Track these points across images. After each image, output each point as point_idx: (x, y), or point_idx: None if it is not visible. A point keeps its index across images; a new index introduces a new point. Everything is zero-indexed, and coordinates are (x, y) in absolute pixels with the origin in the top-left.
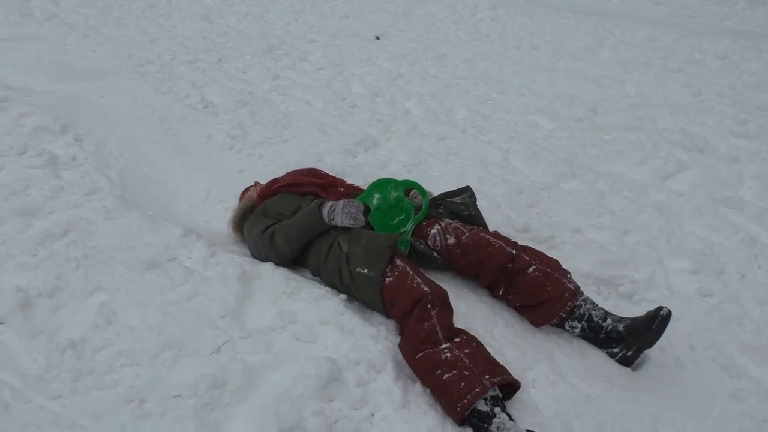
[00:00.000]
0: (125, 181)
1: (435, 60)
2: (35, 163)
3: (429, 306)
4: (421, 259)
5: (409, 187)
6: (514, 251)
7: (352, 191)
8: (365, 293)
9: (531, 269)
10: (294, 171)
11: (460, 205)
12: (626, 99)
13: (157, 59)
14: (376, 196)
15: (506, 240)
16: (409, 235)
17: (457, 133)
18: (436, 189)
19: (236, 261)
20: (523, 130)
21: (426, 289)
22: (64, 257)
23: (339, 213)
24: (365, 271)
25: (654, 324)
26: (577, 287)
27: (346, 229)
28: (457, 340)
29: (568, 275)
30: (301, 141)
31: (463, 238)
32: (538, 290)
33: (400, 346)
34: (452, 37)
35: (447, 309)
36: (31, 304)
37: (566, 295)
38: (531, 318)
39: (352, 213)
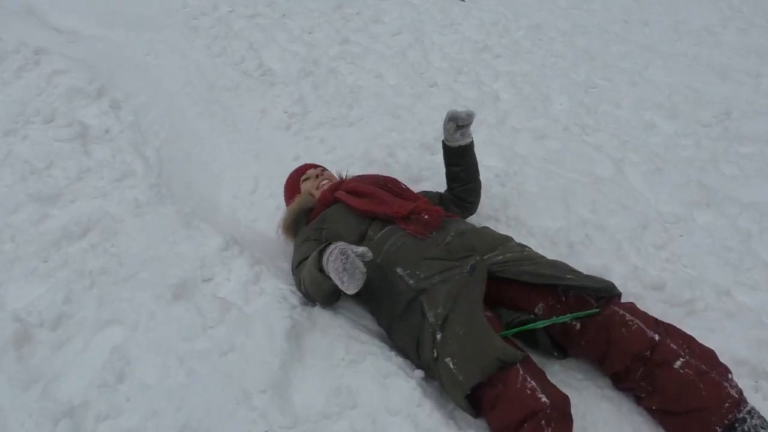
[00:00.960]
0: (163, 163)
1: (528, 30)
2: (63, 134)
3: (544, 422)
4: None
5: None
6: (657, 336)
7: (437, 220)
8: (449, 389)
9: (679, 363)
10: (368, 177)
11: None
12: (765, 99)
13: (213, 11)
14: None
15: (645, 318)
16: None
17: (556, 130)
18: (533, 211)
19: (284, 295)
20: (638, 132)
21: (545, 400)
22: (78, 269)
23: (330, 267)
24: (455, 369)
25: None
26: (741, 393)
27: (444, 283)
28: None
29: (730, 376)
30: (369, 126)
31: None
32: (688, 394)
33: None
34: (548, 2)
35: (566, 422)
36: (29, 337)
37: (727, 404)
38: (674, 429)
39: (339, 271)
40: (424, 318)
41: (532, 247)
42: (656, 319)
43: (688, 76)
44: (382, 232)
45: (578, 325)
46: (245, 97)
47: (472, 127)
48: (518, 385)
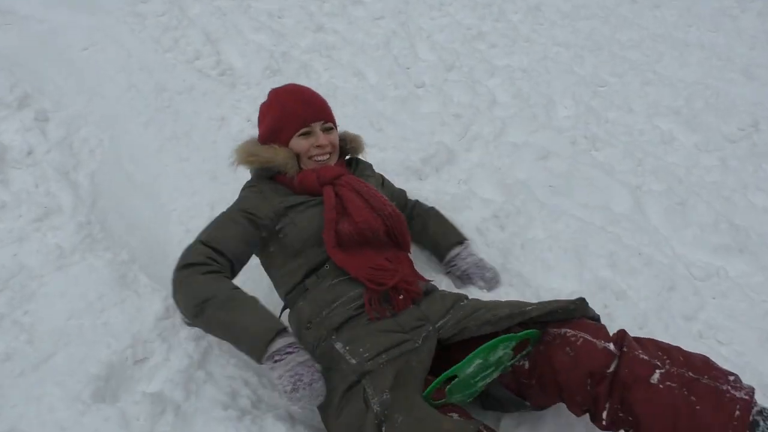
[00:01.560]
0: (98, 192)
1: (526, 13)
2: None
3: None
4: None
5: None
6: (612, 346)
7: (408, 302)
8: None
9: (657, 376)
10: (373, 194)
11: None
12: None
13: None
14: (477, 362)
15: (597, 330)
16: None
17: (562, 144)
18: (539, 266)
19: (235, 389)
20: (654, 146)
21: None
22: None
23: (280, 372)
24: None
25: None
26: (751, 393)
27: (393, 363)
28: None
29: (731, 378)
30: None
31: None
32: (678, 413)
33: None
34: None
35: None
36: None
37: (737, 413)
38: None
39: (292, 393)
40: (366, 407)
41: None
42: (623, 332)
43: (707, 72)
44: (340, 280)
45: (526, 364)
46: (200, 102)
47: (464, 141)
48: None
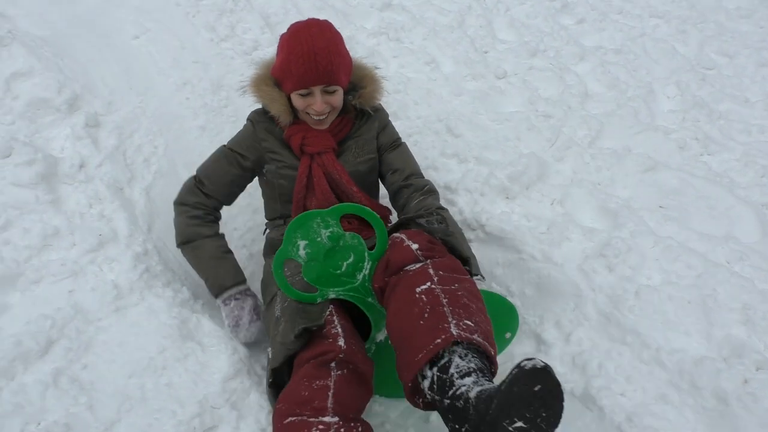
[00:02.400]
0: (155, 210)
1: None
2: (24, 176)
3: (333, 365)
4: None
5: (345, 213)
6: (420, 255)
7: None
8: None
9: (422, 288)
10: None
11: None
12: None
13: None
14: (301, 243)
15: (425, 242)
16: (369, 279)
17: (670, 150)
18: (657, 321)
19: None
20: None
21: (342, 345)
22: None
23: (225, 318)
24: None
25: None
26: (465, 339)
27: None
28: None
29: (468, 321)
30: (420, 146)
31: None
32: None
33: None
34: None
35: (359, 384)
36: None
37: (438, 340)
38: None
39: (233, 329)
40: (273, 313)
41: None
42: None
43: None
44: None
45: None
46: None
47: (554, 148)
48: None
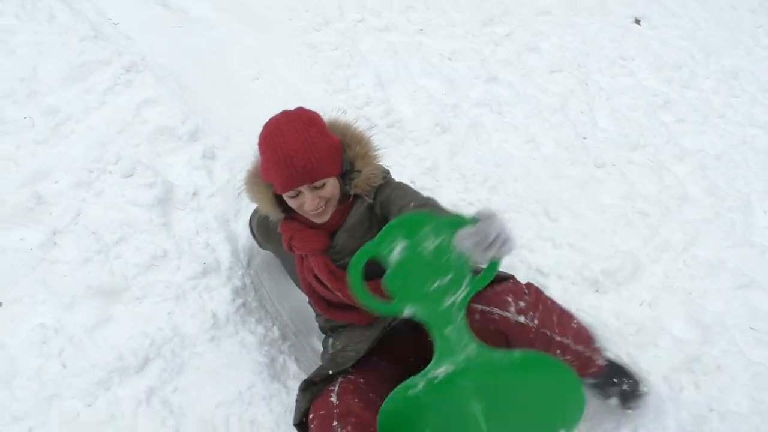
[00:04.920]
0: (254, 245)
1: (719, 79)
2: (142, 197)
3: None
4: None
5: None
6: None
7: None
8: None
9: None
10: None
11: None
12: None
13: (339, 18)
14: (400, 244)
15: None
16: (462, 310)
17: (765, 271)
18: None
19: None
20: None
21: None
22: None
23: None
24: None
25: None
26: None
27: None
28: None
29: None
30: (515, 224)
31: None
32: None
33: None
34: (746, 38)
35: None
36: None
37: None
38: None
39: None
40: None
41: None
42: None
43: None
44: None
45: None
46: None
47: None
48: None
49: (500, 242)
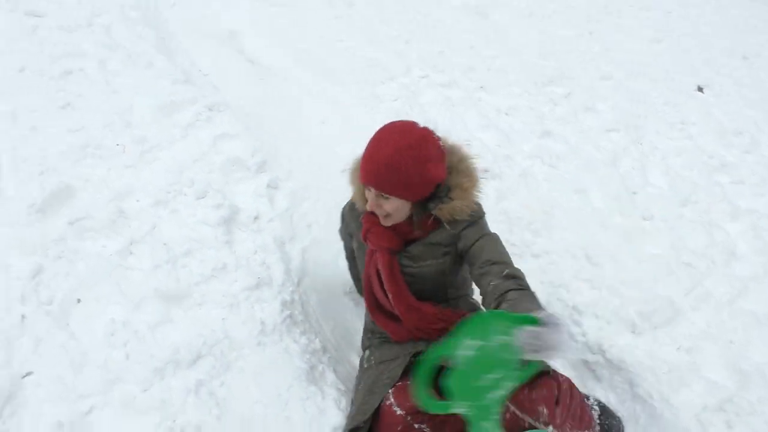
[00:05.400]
0: (305, 268)
1: None
2: (210, 217)
3: None
4: None
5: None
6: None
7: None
8: None
9: None
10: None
11: None
12: None
13: (405, 74)
14: (471, 344)
15: None
16: (499, 407)
17: None
18: None
19: None
20: None
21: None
22: (171, 418)
23: None
24: None
25: None
26: None
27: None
28: None
29: None
30: (556, 266)
31: None
32: None
33: None
34: None
35: None
36: None
37: None
38: None
39: None
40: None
41: None
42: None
43: None
44: None
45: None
46: None
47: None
48: None
49: (555, 352)
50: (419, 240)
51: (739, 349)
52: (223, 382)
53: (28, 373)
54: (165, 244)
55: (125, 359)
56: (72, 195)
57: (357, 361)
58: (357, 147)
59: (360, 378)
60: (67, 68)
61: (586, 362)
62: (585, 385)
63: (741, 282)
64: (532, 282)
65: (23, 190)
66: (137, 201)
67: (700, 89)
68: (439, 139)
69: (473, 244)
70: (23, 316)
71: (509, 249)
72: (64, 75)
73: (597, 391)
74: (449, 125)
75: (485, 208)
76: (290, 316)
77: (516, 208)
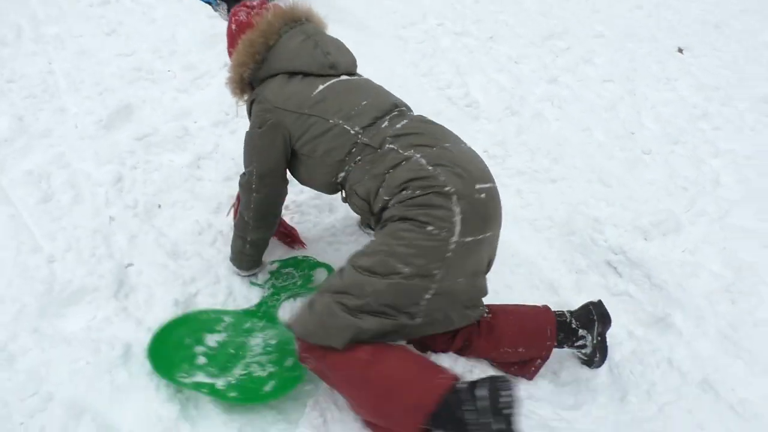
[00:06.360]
0: None
1: (754, 103)
2: None
3: None
4: None
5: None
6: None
7: None
8: None
9: None
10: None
11: None
12: None
13: (422, 21)
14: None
15: None
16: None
17: None
18: None
19: None
20: None
21: None
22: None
23: None
24: None
25: None
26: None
27: None
28: None
29: None
30: (573, 188)
31: None
32: None
33: None
34: None
35: None
36: None
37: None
38: None
39: None
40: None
41: None
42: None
43: None
44: None
45: None
46: (446, 126)
47: (689, 214)
48: None
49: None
50: None
51: (731, 252)
52: None
53: (129, 264)
54: (232, 158)
55: (217, 253)
56: (132, 113)
57: None
58: (394, 87)
59: None
60: None
61: (608, 262)
62: (607, 281)
63: (727, 203)
64: (554, 202)
65: (86, 107)
66: (194, 122)
67: (680, 50)
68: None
69: None
70: (111, 218)
71: (532, 175)
72: (103, 3)
73: (619, 284)
74: (469, 68)
75: (508, 138)
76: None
77: (534, 140)
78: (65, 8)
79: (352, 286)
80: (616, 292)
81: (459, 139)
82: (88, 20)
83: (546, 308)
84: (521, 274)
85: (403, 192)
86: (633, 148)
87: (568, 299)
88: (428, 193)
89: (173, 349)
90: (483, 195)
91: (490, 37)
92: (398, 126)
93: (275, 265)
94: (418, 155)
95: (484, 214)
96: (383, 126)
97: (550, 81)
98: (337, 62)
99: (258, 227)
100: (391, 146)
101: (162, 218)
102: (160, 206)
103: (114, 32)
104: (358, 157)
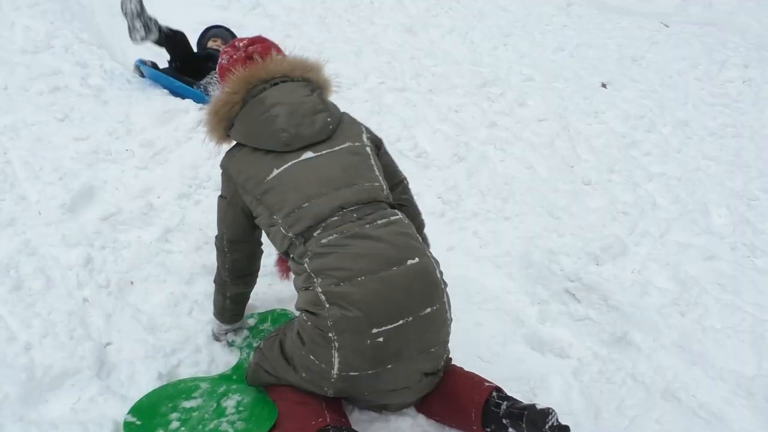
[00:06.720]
0: None
1: (675, 127)
2: None
3: None
4: None
5: None
6: None
7: None
8: None
9: None
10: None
11: None
12: None
13: (365, 80)
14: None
15: None
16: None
17: (724, 250)
18: (721, 351)
19: None
20: None
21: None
22: None
23: None
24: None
25: None
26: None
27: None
28: None
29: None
30: (526, 223)
31: None
32: None
33: None
34: (693, 97)
35: None
36: None
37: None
38: None
39: None
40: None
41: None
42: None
43: None
44: None
45: None
46: None
47: (633, 236)
48: None
49: None
50: None
51: (675, 267)
52: None
53: (108, 343)
54: (200, 229)
55: (196, 323)
56: (95, 194)
57: None
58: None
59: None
60: (54, 85)
61: (566, 290)
62: (569, 308)
63: (666, 222)
64: (510, 239)
65: (48, 193)
66: (158, 197)
67: (603, 85)
68: None
69: None
70: (85, 299)
71: (485, 215)
72: (53, 91)
73: (580, 310)
74: (414, 121)
75: (459, 183)
76: None
77: (484, 183)
78: (16, 98)
79: (275, 361)
80: (578, 317)
81: (401, 245)
82: (39, 108)
83: (485, 389)
84: (489, 309)
85: (301, 314)
86: (574, 180)
87: (535, 330)
88: (315, 328)
89: (149, 418)
90: (380, 339)
91: (429, 90)
92: (323, 241)
93: (253, 320)
94: (320, 289)
95: (372, 356)
96: (315, 235)
97: (489, 125)
98: (295, 137)
99: (236, 284)
100: (305, 265)
101: (136, 294)
102: (132, 283)
103: (67, 117)
104: (292, 255)
